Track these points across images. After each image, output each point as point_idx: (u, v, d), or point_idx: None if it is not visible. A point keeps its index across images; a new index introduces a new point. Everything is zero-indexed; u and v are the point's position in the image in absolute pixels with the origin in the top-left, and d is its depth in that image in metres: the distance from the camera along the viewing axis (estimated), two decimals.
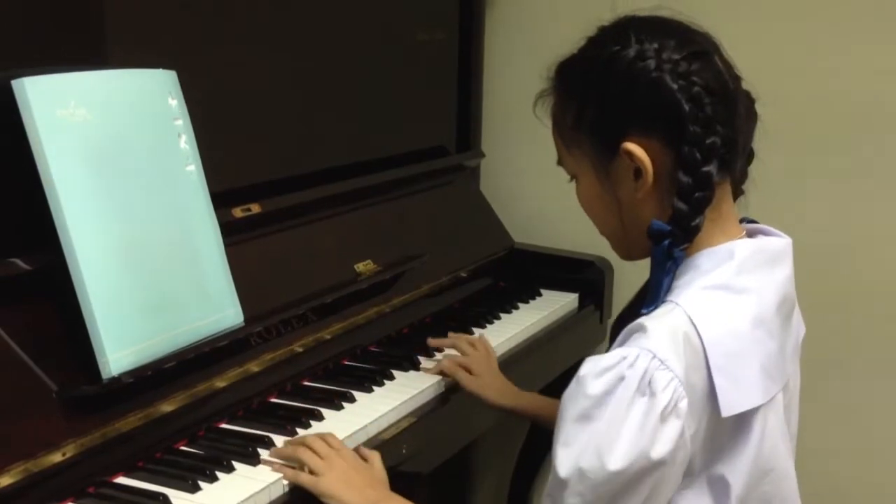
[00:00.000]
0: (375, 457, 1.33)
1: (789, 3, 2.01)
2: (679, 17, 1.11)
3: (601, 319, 2.14)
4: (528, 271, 2.16)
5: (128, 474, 1.26)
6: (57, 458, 1.17)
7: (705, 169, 1.04)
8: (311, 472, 1.26)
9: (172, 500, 1.20)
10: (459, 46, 2.20)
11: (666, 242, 1.06)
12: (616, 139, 1.07)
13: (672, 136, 1.04)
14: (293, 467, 1.28)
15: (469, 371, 1.60)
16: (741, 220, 1.16)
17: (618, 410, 0.98)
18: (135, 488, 1.23)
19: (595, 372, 1.00)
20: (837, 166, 2.00)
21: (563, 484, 1.01)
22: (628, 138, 1.06)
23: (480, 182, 2.31)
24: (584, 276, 2.13)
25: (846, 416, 2.07)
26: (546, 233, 2.25)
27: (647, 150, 1.06)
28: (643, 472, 0.98)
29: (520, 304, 2.02)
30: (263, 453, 1.32)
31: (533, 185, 2.30)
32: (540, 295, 2.09)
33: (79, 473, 1.20)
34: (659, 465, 0.98)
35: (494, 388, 1.59)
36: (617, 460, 0.97)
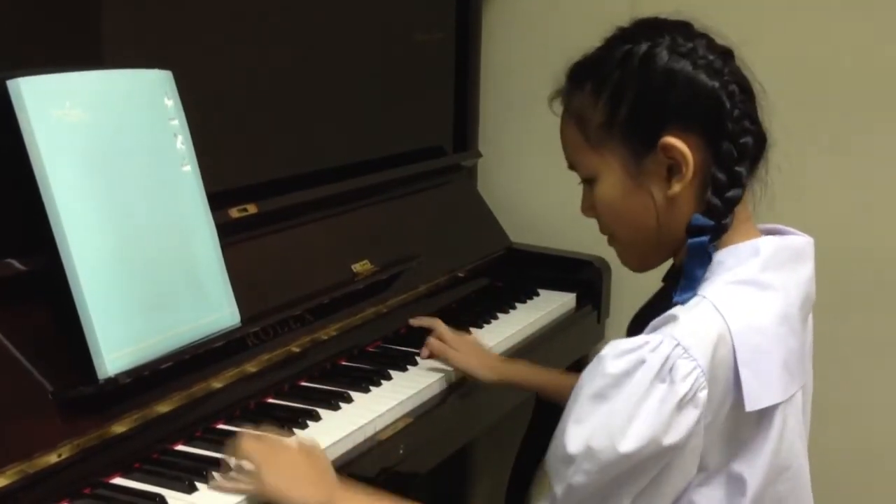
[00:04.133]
0: (316, 443, 1.26)
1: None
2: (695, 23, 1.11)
3: (599, 319, 2.14)
4: (525, 271, 2.15)
5: (124, 475, 1.25)
6: (53, 458, 1.16)
7: (738, 168, 1.05)
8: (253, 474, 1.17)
9: (169, 500, 1.19)
10: (457, 46, 2.20)
11: (706, 238, 1.05)
12: (654, 135, 1.06)
13: (711, 133, 1.05)
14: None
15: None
16: None
17: (635, 393, 0.98)
18: (131, 489, 1.22)
19: (616, 352, 1.00)
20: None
21: (569, 459, 1.00)
22: (667, 134, 1.06)
23: (477, 182, 2.31)
24: (582, 276, 2.13)
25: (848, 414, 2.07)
26: (543, 232, 2.25)
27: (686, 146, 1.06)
28: (652, 457, 0.98)
29: (517, 304, 2.02)
30: None
31: (530, 185, 2.31)
32: (537, 295, 2.09)
33: (75, 474, 1.20)
34: (669, 450, 0.98)
35: (482, 364, 1.62)
36: (628, 443, 0.97)
